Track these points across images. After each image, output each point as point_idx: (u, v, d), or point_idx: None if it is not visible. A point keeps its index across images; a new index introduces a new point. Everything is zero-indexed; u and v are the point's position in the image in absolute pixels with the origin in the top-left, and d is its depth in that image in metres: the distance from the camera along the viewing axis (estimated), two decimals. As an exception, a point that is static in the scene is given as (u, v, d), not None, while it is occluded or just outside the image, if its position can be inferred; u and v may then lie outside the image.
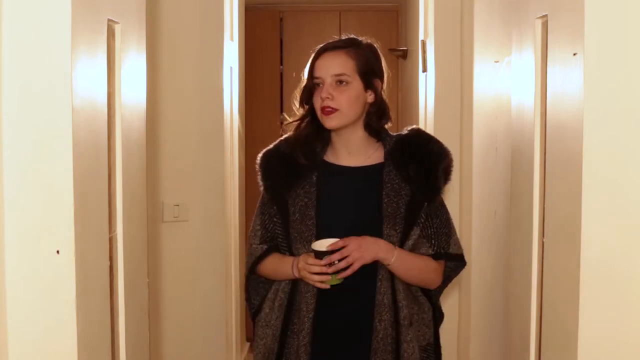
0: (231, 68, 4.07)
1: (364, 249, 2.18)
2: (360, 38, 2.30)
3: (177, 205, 3.66)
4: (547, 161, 1.84)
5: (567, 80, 1.63)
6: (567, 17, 1.65)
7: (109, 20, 1.94)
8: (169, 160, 3.62)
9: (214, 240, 3.74)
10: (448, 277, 2.40)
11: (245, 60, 5.11)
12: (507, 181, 2.29)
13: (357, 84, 2.20)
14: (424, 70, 4.15)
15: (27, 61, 1.62)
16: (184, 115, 3.68)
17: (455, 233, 2.39)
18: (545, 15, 1.83)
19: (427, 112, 4.03)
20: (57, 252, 1.63)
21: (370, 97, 2.24)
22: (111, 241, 2.03)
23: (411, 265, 2.26)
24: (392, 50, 5.87)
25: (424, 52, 4.12)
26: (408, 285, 2.30)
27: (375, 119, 2.25)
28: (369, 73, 2.23)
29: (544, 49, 1.88)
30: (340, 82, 2.20)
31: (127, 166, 2.15)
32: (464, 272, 3.53)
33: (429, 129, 3.89)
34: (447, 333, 3.56)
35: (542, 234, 1.90)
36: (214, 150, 3.71)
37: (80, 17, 1.68)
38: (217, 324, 3.76)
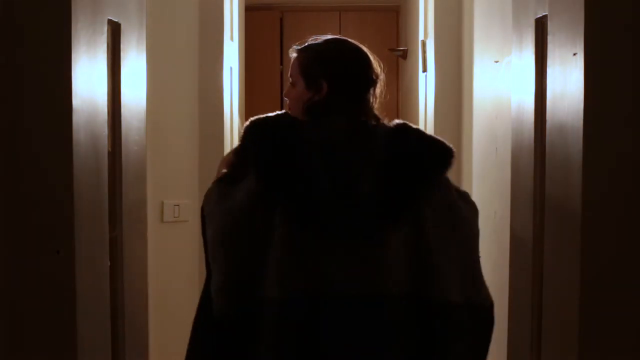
0: (231, 68, 4.07)
1: None
2: (314, 40, 2.27)
3: (177, 205, 3.66)
4: (547, 161, 1.84)
5: (567, 80, 1.63)
6: (567, 17, 1.65)
7: (109, 20, 1.94)
8: (169, 160, 3.62)
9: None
10: None
11: (245, 60, 5.11)
12: (507, 181, 2.29)
13: (300, 84, 2.20)
14: (424, 70, 4.15)
15: (27, 61, 1.62)
16: (184, 115, 3.67)
17: None
18: (545, 15, 1.83)
19: (427, 112, 4.03)
20: (57, 252, 1.63)
21: (316, 96, 2.19)
22: (112, 241, 2.03)
23: None
24: (392, 50, 5.88)
25: (424, 52, 4.12)
26: None
27: (310, 115, 2.19)
28: (310, 74, 2.20)
29: (544, 49, 1.88)
30: (292, 83, 2.22)
31: (127, 166, 2.15)
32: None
33: (429, 129, 3.90)
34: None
35: (542, 233, 1.90)
36: (214, 150, 3.70)
37: (80, 17, 1.68)
38: (217, 324, 3.76)
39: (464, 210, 2.12)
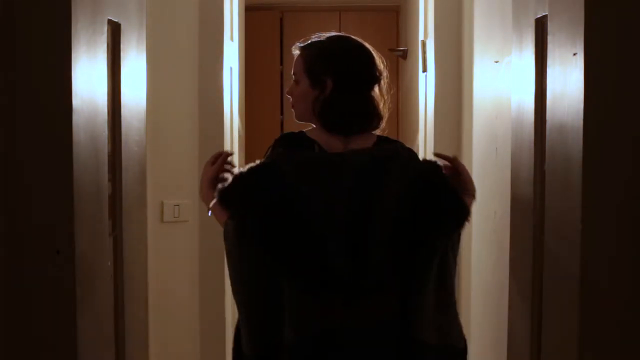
0: (231, 68, 4.07)
1: None
2: (318, 38, 2.25)
3: (177, 205, 3.66)
4: (547, 161, 1.84)
5: (567, 80, 1.63)
6: (567, 17, 1.65)
7: (109, 20, 1.94)
8: (169, 160, 3.62)
9: (214, 240, 3.74)
10: None
11: (245, 60, 5.11)
12: (507, 181, 2.29)
13: (305, 81, 2.19)
14: (424, 70, 4.15)
15: (27, 61, 1.62)
16: (184, 115, 3.67)
17: None
18: (545, 15, 1.83)
19: (427, 112, 4.03)
20: (57, 252, 1.63)
21: (321, 95, 2.18)
22: (112, 241, 2.03)
23: None
24: (392, 50, 5.88)
25: (424, 52, 4.12)
26: None
27: (322, 116, 2.18)
28: (314, 72, 2.19)
29: (544, 49, 1.88)
30: (295, 81, 2.22)
31: (127, 166, 2.15)
32: (464, 272, 3.54)
33: (429, 130, 3.90)
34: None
35: (542, 234, 1.90)
36: (214, 150, 3.70)
37: (80, 17, 1.68)
38: (217, 324, 3.76)
39: (451, 257, 2.20)
